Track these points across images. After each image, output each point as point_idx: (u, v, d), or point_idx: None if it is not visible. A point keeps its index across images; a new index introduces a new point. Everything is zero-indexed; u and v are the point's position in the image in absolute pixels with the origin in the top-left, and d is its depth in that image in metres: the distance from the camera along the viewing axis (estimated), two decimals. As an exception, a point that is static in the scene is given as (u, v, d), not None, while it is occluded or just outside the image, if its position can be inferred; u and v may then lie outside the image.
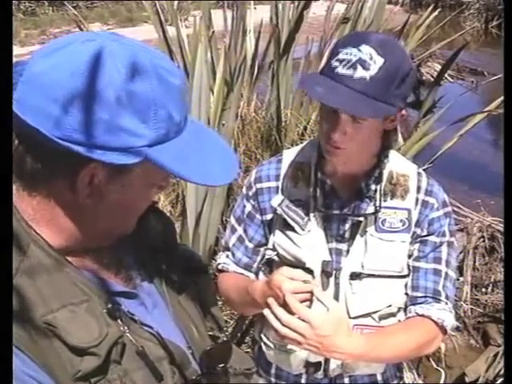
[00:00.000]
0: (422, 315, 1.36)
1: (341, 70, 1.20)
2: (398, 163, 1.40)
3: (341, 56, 1.21)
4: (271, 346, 1.47)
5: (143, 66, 0.73)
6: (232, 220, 1.51)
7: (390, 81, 1.20)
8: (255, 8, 4.65)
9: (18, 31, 10.67)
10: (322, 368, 1.42)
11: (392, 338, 1.33)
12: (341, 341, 1.22)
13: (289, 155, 1.45)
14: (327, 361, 1.40)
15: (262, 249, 1.47)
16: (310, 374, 1.44)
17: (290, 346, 1.41)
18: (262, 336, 1.49)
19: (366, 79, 1.19)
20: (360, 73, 1.19)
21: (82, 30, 4.19)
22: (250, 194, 1.45)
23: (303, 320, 1.19)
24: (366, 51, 1.19)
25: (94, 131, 0.71)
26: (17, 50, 8.77)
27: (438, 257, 1.39)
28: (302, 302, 1.21)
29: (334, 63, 1.22)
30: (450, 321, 1.37)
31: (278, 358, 1.47)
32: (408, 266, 1.39)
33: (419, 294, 1.38)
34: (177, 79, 0.77)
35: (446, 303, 1.38)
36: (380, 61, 1.19)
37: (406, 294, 1.40)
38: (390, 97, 1.22)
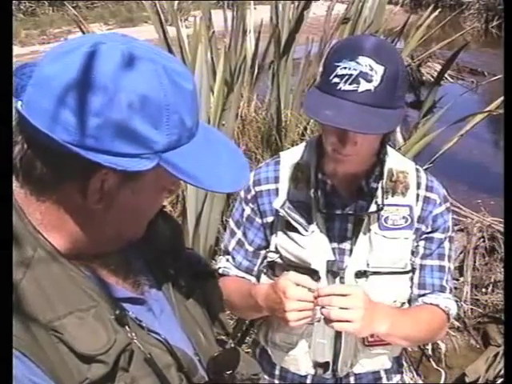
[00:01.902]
0: (431, 304, 1.41)
1: (343, 86, 1.18)
2: (396, 160, 1.41)
3: (340, 71, 1.19)
4: (279, 348, 1.47)
5: (155, 70, 0.72)
6: (231, 224, 1.50)
7: (393, 86, 1.20)
8: (255, 8, 4.66)
9: (18, 31, 10.65)
10: (331, 368, 1.42)
11: (409, 315, 1.38)
12: (376, 304, 1.25)
13: (286, 157, 1.45)
14: (336, 360, 1.41)
15: (262, 252, 1.46)
16: (319, 374, 1.44)
17: (298, 348, 1.42)
18: (269, 339, 1.48)
19: (371, 91, 1.18)
20: (364, 86, 1.18)
21: (82, 30, 4.20)
22: (249, 197, 1.45)
23: (348, 294, 1.21)
24: (365, 62, 1.18)
25: (106, 137, 0.70)
26: (17, 50, 8.77)
27: (442, 253, 1.42)
28: (303, 311, 1.22)
29: (334, 79, 1.20)
30: (454, 309, 1.43)
31: (286, 360, 1.47)
32: (412, 263, 1.41)
33: (427, 291, 1.42)
34: (189, 83, 0.76)
35: (450, 293, 1.44)
36: (380, 69, 1.18)
37: (411, 289, 1.42)
38: (395, 100, 1.22)
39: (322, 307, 1.20)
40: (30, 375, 0.68)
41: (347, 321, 1.20)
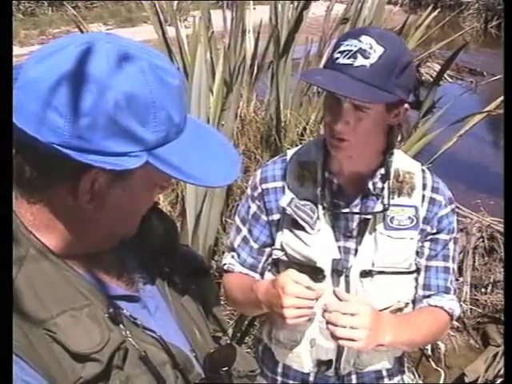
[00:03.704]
0: (435, 306, 1.42)
1: (341, 59, 1.23)
2: (402, 160, 1.42)
3: (342, 48, 1.24)
4: (282, 345, 1.47)
5: (140, 67, 0.72)
6: (237, 220, 1.51)
7: (390, 69, 1.22)
8: (254, 8, 4.66)
9: (17, 31, 10.64)
10: (334, 366, 1.43)
11: (412, 321, 1.39)
12: (382, 317, 1.27)
13: (293, 155, 1.45)
14: (338, 358, 1.42)
15: (267, 249, 1.47)
16: (322, 372, 1.45)
17: (302, 346, 1.42)
18: (273, 336, 1.48)
19: (366, 67, 1.21)
20: (360, 61, 1.21)
21: (81, 30, 4.19)
22: (256, 194, 1.45)
23: (356, 314, 1.22)
24: (367, 41, 1.22)
25: (94, 136, 0.69)
26: (16, 50, 8.76)
27: (447, 254, 1.43)
28: (301, 308, 1.22)
29: (336, 55, 1.24)
30: (457, 310, 1.45)
31: (289, 357, 1.47)
32: (417, 263, 1.42)
33: (432, 292, 1.42)
34: (175, 79, 0.76)
35: (454, 294, 1.45)
36: (380, 50, 1.21)
37: (416, 290, 1.43)
38: (390, 85, 1.23)
39: (328, 322, 1.22)
40: (24, 376, 0.68)
41: (352, 339, 1.22)
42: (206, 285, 0.97)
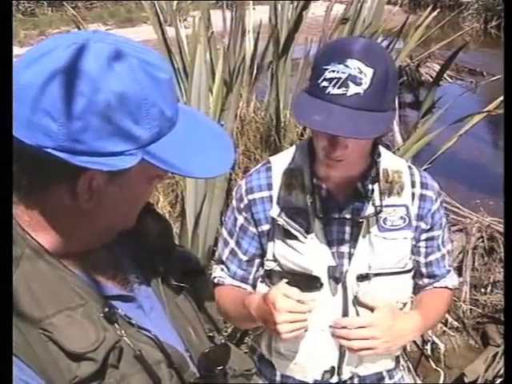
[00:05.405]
0: (440, 287, 1.50)
1: (332, 89, 1.15)
2: (389, 160, 1.40)
3: (328, 75, 1.16)
4: (284, 357, 1.43)
5: (130, 65, 0.72)
6: (224, 233, 1.48)
7: (383, 88, 1.18)
8: (254, 8, 4.66)
9: (17, 31, 10.64)
10: (336, 372, 1.41)
11: (431, 306, 1.45)
12: (402, 323, 1.31)
13: (277, 162, 1.42)
14: (341, 365, 1.40)
15: (256, 260, 1.44)
16: (326, 380, 1.42)
17: (304, 356, 1.40)
18: (273, 349, 1.45)
19: (361, 94, 1.15)
20: (353, 89, 1.15)
21: (80, 30, 4.19)
22: (242, 206, 1.42)
23: (366, 326, 1.27)
24: (354, 65, 1.15)
25: (88, 138, 0.70)
26: (16, 50, 8.75)
27: (442, 244, 1.47)
28: (293, 322, 1.21)
29: (323, 83, 1.17)
30: (456, 281, 1.55)
31: (292, 368, 1.44)
32: (416, 261, 1.45)
33: (436, 280, 1.49)
34: (165, 74, 0.76)
35: (451, 268, 1.53)
36: (370, 72, 1.15)
37: (421, 278, 1.49)
38: (385, 103, 1.19)
39: (340, 336, 1.27)
40: (21, 375, 0.68)
41: (370, 348, 1.26)
42: (201, 285, 0.97)
